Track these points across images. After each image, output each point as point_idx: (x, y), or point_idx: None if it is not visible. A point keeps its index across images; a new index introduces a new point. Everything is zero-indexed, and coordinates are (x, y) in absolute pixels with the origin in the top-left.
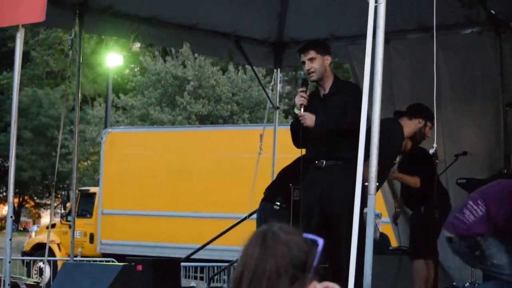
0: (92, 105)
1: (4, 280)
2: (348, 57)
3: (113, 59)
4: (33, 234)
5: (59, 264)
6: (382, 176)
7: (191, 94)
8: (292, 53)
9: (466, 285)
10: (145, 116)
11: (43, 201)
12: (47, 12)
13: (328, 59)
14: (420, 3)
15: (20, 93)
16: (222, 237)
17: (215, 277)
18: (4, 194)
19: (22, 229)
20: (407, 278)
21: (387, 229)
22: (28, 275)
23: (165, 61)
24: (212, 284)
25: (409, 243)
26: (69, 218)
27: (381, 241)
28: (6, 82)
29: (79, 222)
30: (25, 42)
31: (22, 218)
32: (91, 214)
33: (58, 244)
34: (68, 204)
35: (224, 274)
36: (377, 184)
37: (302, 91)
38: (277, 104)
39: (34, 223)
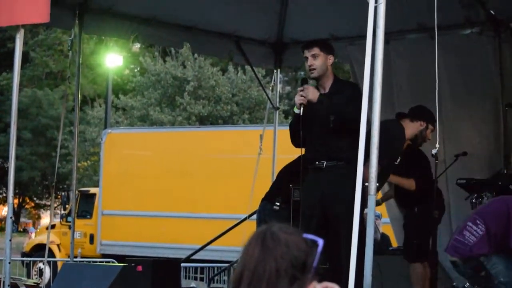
0: (92, 105)
1: (4, 281)
2: (348, 58)
3: (112, 60)
4: (32, 235)
5: (59, 265)
6: (383, 176)
7: (191, 94)
8: (292, 53)
9: (466, 285)
10: (145, 117)
11: (43, 202)
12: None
13: (330, 59)
14: (420, 3)
15: (20, 93)
16: (222, 238)
17: (215, 278)
18: (4, 195)
19: (22, 230)
20: (408, 279)
21: (388, 229)
22: (28, 276)
23: (165, 61)
24: (212, 285)
25: (404, 244)
26: (69, 218)
27: (382, 242)
28: (5, 83)
29: (79, 222)
30: (25, 43)
31: (22, 219)
32: (91, 215)
33: (58, 245)
34: (68, 205)
35: (224, 275)
36: (377, 184)
37: (302, 90)
38: (277, 105)
39: (34, 224)
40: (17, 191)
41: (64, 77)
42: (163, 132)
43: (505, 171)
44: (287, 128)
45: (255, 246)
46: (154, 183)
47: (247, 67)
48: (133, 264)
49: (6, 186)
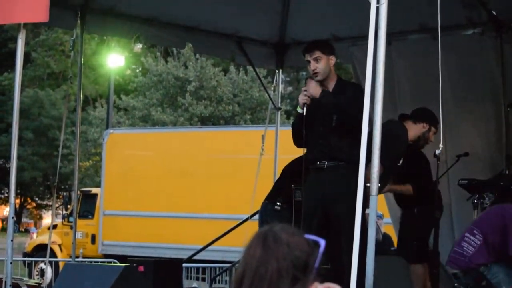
0: (93, 106)
1: (5, 281)
2: (349, 58)
3: (114, 60)
4: (34, 235)
5: (61, 265)
6: (385, 178)
7: (193, 95)
8: (294, 54)
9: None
10: (147, 117)
11: (45, 202)
12: (49, 13)
13: (332, 59)
14: (422, 4)
15: (22, 94)
16: (224, 238)
17: (217, 278)
18: (6, 195)
19: (23, 230)
20: (409, 279)
21: (390, 229)
22: (30, 276)
23: (166, 62)
24: (214, 285)
25: (399, 244)
26: (71, 219)
27: (384, 242)
28: (7, 83)
29: (81, 223)
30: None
31: (24, 219)
32: (92, 215)
33: (59, 245)
34: (69, 205)
35: (226, 275)
36: (379, 185)
37: (306, 90)
38: (279, 105)
39: (35, 224)
40: (18, 191)
41: (65, 77)
42: (165, 132)
43: (507, 172)
44: (289, 128)
45: (256, 246)
46: (156, 184)
47: (249, 68)
48: (134, 265)
49: (8, 186)
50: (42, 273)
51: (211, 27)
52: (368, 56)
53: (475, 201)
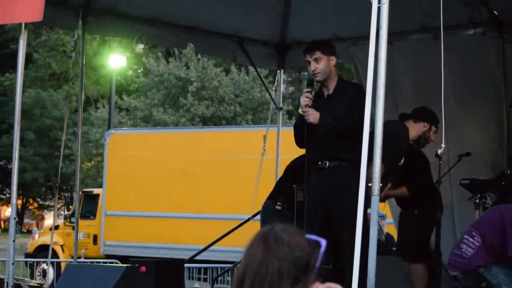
0: (95, 106)
1: (7, 282)
2: (351, 58)
3: (116, 61)
4: (36, 236)
5: (63, 265)
6: (387, 177)
7: (194, 95)
8: (295, 54)
9: None
10: (148, 118)
11: (47, 203)
12: (51, 13)
13: (333, 60)
14: (423, 4)
15: (23, 94)
16: (226, 238)
17: (219, 278)
18: (8, 195)
19: (25, 230)
20: (409, 279)
21: (392, 229)
22: (32, 277)
23: (168, 62)
24: (216, 286)
25: (399, 244)
26: (73, 219)
27: (386, 242)
28: (9, 84)
29: (83, 223)
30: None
31: (26, 220)
32: (94, 216)
33: (61, 246)
34: (71, 206)
35: (228, 275)
36: (381, 185)
37: (308, 92)
38: (280, 105)
39: (37, 224)
40: (20, 192)
41: (67, 78)
42: (167, 132)
43: (508, 172)
44: (291, 128)
45: (257, 246)
46: (158, 184)
47: (250, 68)
48: (136, 265)
49: (10, 187)
50: (44, 273)
51: (212, 27)
52: (369, 56)
53: (477, 201)
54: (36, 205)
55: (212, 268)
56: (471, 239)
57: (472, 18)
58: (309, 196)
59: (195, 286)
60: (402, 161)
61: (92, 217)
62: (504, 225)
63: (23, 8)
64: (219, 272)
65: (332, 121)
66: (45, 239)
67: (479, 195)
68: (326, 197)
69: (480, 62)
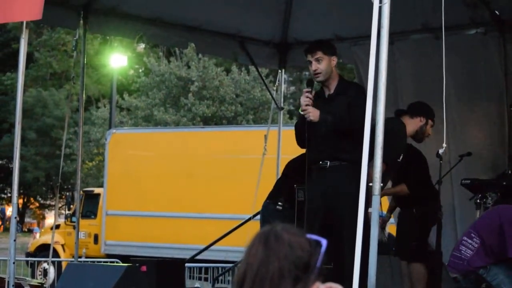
0: (96, 106)
1: (8, 281)
2: (352, 58)
3: (117, 60)
4: (37, 235)
5: (64, 265)
6: (387, 176)
7: (195, 95)
8: (297, 53)
9: None
10: (149, 117)
11: (48, 202)
12: (52, 13)
13: (334, 60)
14: (424, 4)
15: (25, 94)
16: (226, 238)
17: (220, 278)
18: (9, 195)
19: (26, 230)
20: (407, 278)
21: (394, 229)
22: (33, 276)
23: (169, 62)
24: (216, 285)
25: (400, 243)
26: (74, 219)
27: (388, 242)
28: (10, 83)
29: (84, 223)
30: (29, 44)
31: (27, 219)
32: (95, 215)
33: (62, 245)
34: (72, 205)
35: (229, 275)
36: (381, 184)
37: (308, 92)
38: (282, 105)
39: (38, 224)
40: (21, 191)
41: (68, 77)
42: (168, 132)
43: (509, 172)
44: (292, 128)
45: (258, 246)
46: (158, 183)
47: (251, 67)
48: (137, 264)
49: (11, 186)
50: (45, 273)
51: (213, 27)
52: (370, 55)
53: (478, 201)
54: (37, 204)
55: (213, 267)
56: (470, 241)
57: (473, 18)
58: (310, 196)
59: (195, 285)
60: (401, 157)
61: (93, 216)
62: (501, 224)
63: (23, 7)
64: (220, 272)
65: (333, 119)
66: (46, 239)
67: (480, 195)
68: (327, 197)
69: (482, 62)
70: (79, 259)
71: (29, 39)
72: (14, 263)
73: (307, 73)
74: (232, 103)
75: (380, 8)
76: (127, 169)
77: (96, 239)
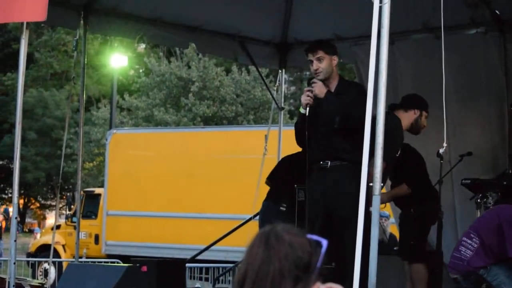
0: (97, 106)
1: (9, 282)
2: (352, 58)
3: (117, 60)
4: (38, 236)
5: (64, 265)
6: (386, 173)
7: (196, 95)
8: (297, 53)
9: None
10: (150, 117)
11: (48, 203)
12: (52, 13)
13: (335, 60)
14: (425, 3)
15: (25, 94)
16: (227, 238)
17: (220, 278)
18: (10, 195)
19: (27, 230)
20: (407, 278)
21: (395, 229)
22: (33, 276)
23: (169, 62)
24: (217, 285)
25: (400, 244)
26: (74, 219)
27: (389, 243)
28: (10, 83)
29: (84, 223)
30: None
31: (28, 220)
32: (96, 215)
33: (63, 245)
34: (73, 205)
35: (229, 275)
36: (382, 184)
37: (309, 91)
38: (282, 105)
39: (39, 224)
40: (22, 191)
41: (68, 77)
42: (168, 132)
43: (510, 171)
44: (292, 128)
45: (258, 246)
46: (159, 184)
47: (251, 67)
48: (138, 265)
49: (12, 187)
50: (46, 273)
51: (214, 27)
52: (370, 55)
53: (478, 200)
54: (37, 204)
55: (214, 267)
56: (469, 241)
57: (473, 17)
58: (311, 195)
59: (196, 285)
60: (399, 152)
61: (93, 216)
62: (500, 223)
63: (27, 7)
64: (221, 272)
65: (336, 100)
66: (47, 239)
67: (480, 195)
68: (327, 197)
69: (482, 61)
70: (80, 260)
71: (29, 40)
72: (14, 263)
73: (307, 73)
74: (232, 103)
75: (380, 8)
76: (128, 169)
77: (96, 239)
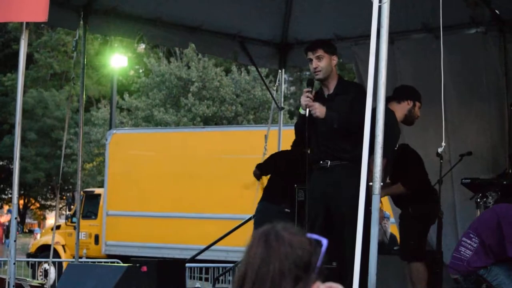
0: (96, 106)
1: (9, 282)
2: (352, 58)
3: (117, 61)
4: (38, 236)
5: (64, 265)
6: (386, 169)
7: (195, 95)
8: (297, 53)
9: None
10: (150, 117)
11: (48, 203)
12: (52, 13)
13: (335, 59)
14: (425, 3)
15: (25, 94)
16: (227, 238)
17: (220, 278)
18: (9, 195)
19: (27, 230)
20: (407, 278)
21: (395, 229)
22: (33, 277)
23: (169, 62)
24: (217, 285)
25: (400, 243)
26: (74, 219)
27: (390, 242)
28: (10, 84)
29: (84, 223)
30: (29, 44)
31: (28, 220)
32: (96, 216)
33: (63, 246)
34: (73, 206)
35: (229, 275)
36: (382, 184)
37: (308, 91)
38: (282, 105)
39: (39, 224)
40: (22, 192)
41: (68, 78)
42: (168, 132)
43: (510, 171)
44: (292, 128)
45: (258, 245)
46: (159, 184)
47: (251, 67)
48: (138, 265)
49: (12, 187)
50: (46, 273)
51: (214, 27)
52: (370, 55)
53: (478, 200)
54: (37, 205)
55: (214, 267)
56: (469, 241)
57: (473, 17)
58: (311, 195)
59: (196, 285)
60: (397, 146)
61: (93, 217)
62: (499, 221)
63: (27, 7)
64: (221, 272)
65: (339, 117)
66: (47, 239)
67: (480, 195)
68: (327, 197)
69: (482, 61)
70: (80, 260)
71: (29, 40)
72: (14, 263)
73: (307, 73)
74: (232, 103)
75: (379, 7)
76: (128, 170)
77: (96, 239)
